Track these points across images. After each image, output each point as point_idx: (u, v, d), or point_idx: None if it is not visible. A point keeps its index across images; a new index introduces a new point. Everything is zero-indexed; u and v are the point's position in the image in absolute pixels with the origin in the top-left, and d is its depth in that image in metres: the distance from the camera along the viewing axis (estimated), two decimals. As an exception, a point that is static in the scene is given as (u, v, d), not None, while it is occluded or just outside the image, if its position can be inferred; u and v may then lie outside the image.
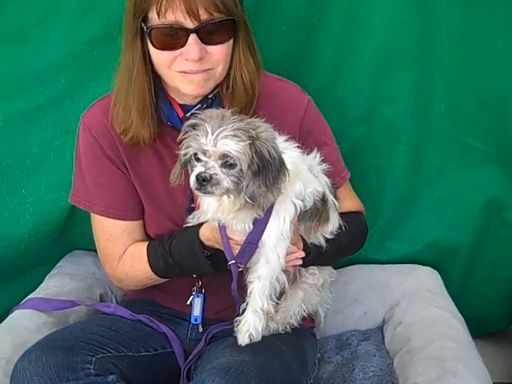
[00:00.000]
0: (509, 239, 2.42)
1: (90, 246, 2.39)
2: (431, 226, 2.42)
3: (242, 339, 1.65)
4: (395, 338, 2.15)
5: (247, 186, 1.50)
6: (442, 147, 2.31)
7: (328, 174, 1.73)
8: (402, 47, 2.15)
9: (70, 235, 2.41)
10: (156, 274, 1.85)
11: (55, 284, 2.22)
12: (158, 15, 1.61)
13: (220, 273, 1.77)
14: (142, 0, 1.63)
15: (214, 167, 1.49)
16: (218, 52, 1.67)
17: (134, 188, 1.88)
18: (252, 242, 1.62)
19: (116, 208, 1.88)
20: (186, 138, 1.54)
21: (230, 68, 1.74)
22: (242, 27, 1.71)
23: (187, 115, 1.77)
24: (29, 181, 2.23)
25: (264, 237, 1.61)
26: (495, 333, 2.65)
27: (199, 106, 1.77)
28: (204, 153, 1.49)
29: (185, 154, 1.55)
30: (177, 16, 1.60)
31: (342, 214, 1.80)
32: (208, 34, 1.63)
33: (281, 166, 1.52)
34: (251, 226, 1.60)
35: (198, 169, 1.50)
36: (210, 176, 1.48)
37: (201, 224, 1.75)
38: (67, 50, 2.10)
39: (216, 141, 1.46)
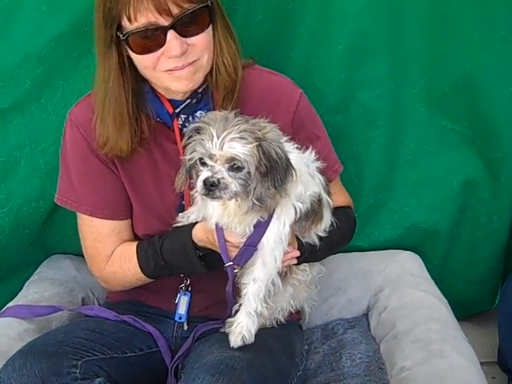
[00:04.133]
0: (486, 219, 2.44)
1: (69, 250, 2.38)
2: (411, 210, 2.43)
3: (235, 341, 1.62)
4: (380, 323, 2.16)
5: (255, 188, 1.48)
6: (418, 130, 2.32)
7: (321, 168, 1.72)
8: (375, 32, 2.16)
9: (49, 239, 2.37)
10: (146, 275, 1.83)
11: (35, 290, 2.18)
12: (130, 21, 1.59)
13: (212, 273, 1.76)
14: (110, 9, 1.60)
15: (222, 171, 1.46)
16: (200, 41, 1.64)
17: (122, 187, 1.85)
18: (252, 245, 1.60)
19: (104, 207, 1.85)
20: (190, 143, 1.52)
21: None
22: (217, 11, 1.69)
23: (177, 111, 1.76)
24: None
25: (263, 239, 1.60)
26: (478, 314, 2.68)
27: (189, 100, 1.76)
28: (210, 157, 1.46)
29: (190, 159, 1.52)
30: (149, 17, 1.57)
31: (333, 210, 1.79)
32: (185, 27, 1.60)
33: (288, 166, 1.51)
34: (252, 229, 1.59)
35: (205, 173, 1.47)
36: (218, 180, 1.46)
37: (193, 224, 1.73)
38: (32, 48, 2.00)
39: (222, 144, 1.44)
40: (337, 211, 1.81)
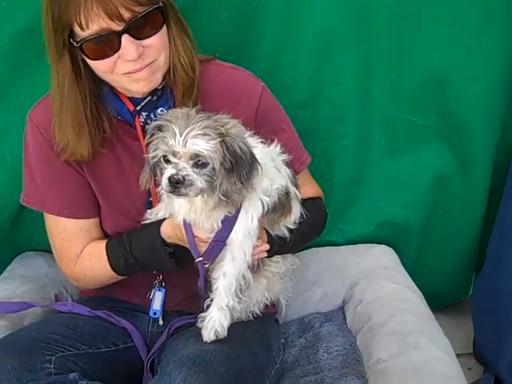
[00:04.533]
0: (457, 213, 2.47)
1: (40, 247, 2.34)
2: (383, 205, 2.44)
3: (208, 336, 1.62)
4: (356, 316, 2.17)
5: (221, 183, 1.48)
6: (388, 126, 2.33)
7: (288, 160, 1.73)
8: (342, 28, 2.15)
9: (19, 237, 2.33)
10: (117, 273, 1.81)
11: (6, 287, 2.14)
12: (82, 28, 1.54)
13: (183, 269, 1.74)
14: (59, 16, 1.55)
15: (186, 168, 1.46)
16: (155, 42, 1.62)
17: (88, 186, 1.83)
18: (221, 240, 1.60)
19: (70, 207, 1.82)
20: (152, 141, 1.51)
21: None
22: (170, 10, 1.66)
23: (138, 108, 1.74)
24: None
25: (231, 234, 1.60)
26: (452, 305, 2.71)
27: (149, 98, 1.73)
28: (174, 154, 1.46)
29: (153, 157, 1.51)
30: (101, 23, 1.53)
31: (303, 202, 1.79)
32: (139, 30, 1.57)
33: (253, 160, 1.51)
34: (220, 224, 1.58)
35: (170, 171, 1.47)
36: (183, 177, 1.45)
37: (161, 221, 1.72)
38: (-6, 45, 1.95)
39: (185, 141, 1.44)
40: (306, 202, 1.81)
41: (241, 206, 1.57)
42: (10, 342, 1.64)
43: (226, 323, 1.63)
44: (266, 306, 1.86)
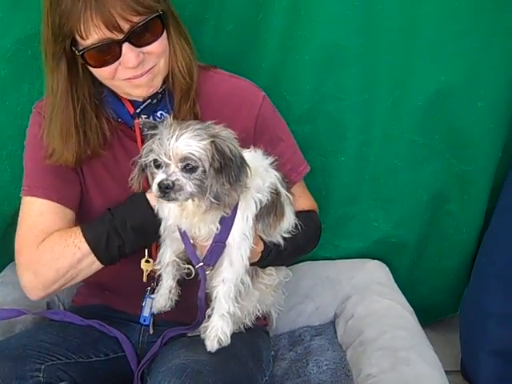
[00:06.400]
0: (453, 230, 2.45)
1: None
2: (379, 224, 2.43)
3: (211, 345, 1.60)
4: (347, 331, 2.16)
5: (211, 185, 1.48)
6: (388, 144, 2.30)
7: (285, 171, 1.74)
8: (344, 43, 2.13)
9: (13, 243, 2.30)
10: (88, 241, 1.67)
11: (-2, 294, 2.13)
12: (82, 38, 1.56)
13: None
14: (60, 25, 1.56)
15: (175, 173, 1.47)
16: (156, 49, 1.63)
17: (77, 179, 1.81)
18: (220, 241, 1.60)
19: (59, 191, 1.77)
20: (147, 142, 1.53)
21: None
22: (170, 17, 1.67)
23: (137, 111, 1.75)
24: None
25: (229, 237, 1.60)
26: (440, 322, 2.70)
27: (149, 101, 1.74)
28: (165, 156, 1.47)
29: (145, 160, 1.52)
30: (101, 34, 1.54)
31: (297, 213, 1.79)
32: (139, 38, 1.59)
33: (242, 163, 1.51)
34: (219, 226, 1.58)
35: (160, 176, 1.47)
36: (173, 183, 1.46)
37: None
38: (-4, 50, 1.95)
39: (177, 142, 1.45)
40: (301, 214, 1.81)
41: (237, 205, 1.58)
42: (1, 349, 1.62)
43: (228, 330, 1.62)
44: (258, 318, 1.86)
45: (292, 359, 2.10)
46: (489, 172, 2.35)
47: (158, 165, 1.49)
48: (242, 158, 1.52)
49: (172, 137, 1.45)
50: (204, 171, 1.48)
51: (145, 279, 1.86)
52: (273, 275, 1.82)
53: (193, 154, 1.45)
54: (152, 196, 1.65)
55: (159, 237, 1.71)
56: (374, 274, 2.35)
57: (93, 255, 1.69)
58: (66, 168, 1.77)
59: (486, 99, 2.21)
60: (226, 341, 1.62)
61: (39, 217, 1.75)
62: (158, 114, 1.77)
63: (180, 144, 1.45)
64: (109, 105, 1.76)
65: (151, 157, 1.50)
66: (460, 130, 2.27)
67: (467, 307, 2.47)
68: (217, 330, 1.61)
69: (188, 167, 1.47)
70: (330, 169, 2.34)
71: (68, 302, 2.21)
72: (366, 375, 1.88)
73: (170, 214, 1.61)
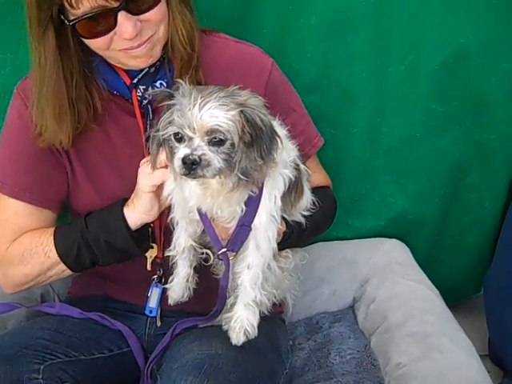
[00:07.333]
0: (474, 204, 2.39)
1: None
2: (395, 200, 2.35)
3: (237, 338, 1.50)
4: (369, 316, 2.08)
5: (240, 160, 1.35)
6: (402, 113, 2.21)
7: (298, 143, 1.62)
8: (353, 4, 2.03)
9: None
10: (58, 252, 1.63)
11: (-13, 288, 2.01)
12: (72, 7, 1.45)
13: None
14: None
15: (201, 147, 1.33)
16: (154, 16, 1.53)
17: (60, 173, 1.71)
18: (245, 224, 1.48)
19: (33, 191, 1.69)
20: (164, 114, 1.39)
21: None
22: None
23: (134, 81, 1.64)
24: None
25: (255, 220, 1.48)
26: (464, 303, 2.63)
27: (147, 69, 1.63)
28: (189, 128, 1.32)
29: (163, 133, 1.38)
30: (93, 1, 1.44)
31: (313, 190, 1.70)
32: (136, 5, 1.49)
33: (272, 133, 1.39)
34: (244, 207, 1.46)
35: (183, 151, 1.33)
36: (199, 158, 1.32)
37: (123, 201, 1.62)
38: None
39: (202, 113, 1.31)
40: (317, 190, 1.73)
41: (263, 184, 1.45)
42: (-6, 348, 1.53)
43: (255, 321, 1.52)
44: (273, 304, 1.73)
45: (311, 349, 2.02)
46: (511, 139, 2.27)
47: (179, 138, 1.35)
48: (272, 127, 1.39)
49: (194, 106, 1.31)
50: (232, 144, 1.34)
51: (149, 267, 1.76)
52: (289, 258, 1.71)
53: (220, 126, 1.32)
54: (130, 211, 1.58)
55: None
56: (393, 253, 2.26)
57: (62, 264, 1.67)
58: (47, 161, 1.69)
59: (507, 60, 2.13)
60: (253, 333, 1.51)
61: (13, 215, 1.71)
62: (158, 83, 1.66)
63: (205, 115, 1.31)
64: (100, 75, 1.65)
65: (171, 130, 1.36)
66: (480, 95, 2.19)
67: (491, 286, 2.41)
68: (242, 321, 1.50)
69: (215, 140, 1.33)
70: (340, 142, 2.25)
71: (64, 292, 2.11)
72: (395, 364, 1.80)
73: (191, 193, 1.47)
